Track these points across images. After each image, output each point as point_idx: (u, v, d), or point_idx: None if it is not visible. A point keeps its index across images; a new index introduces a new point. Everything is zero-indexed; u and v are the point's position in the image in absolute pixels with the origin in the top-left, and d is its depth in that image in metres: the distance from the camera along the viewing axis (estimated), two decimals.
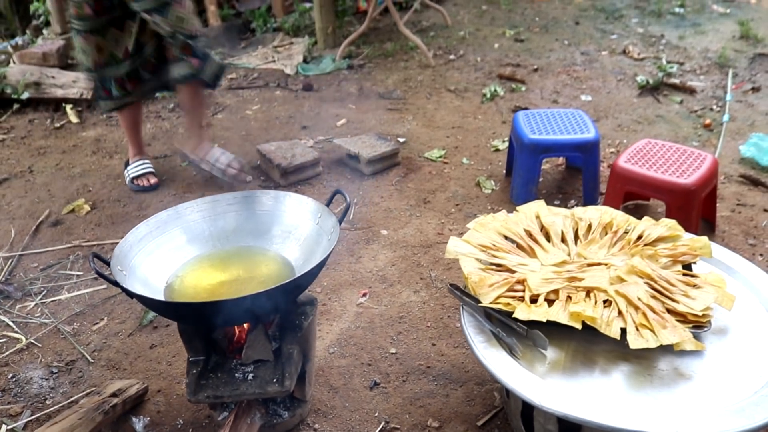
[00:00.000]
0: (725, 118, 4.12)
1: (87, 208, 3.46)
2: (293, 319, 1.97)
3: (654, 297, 1.77)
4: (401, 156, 3.79)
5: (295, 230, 2.07)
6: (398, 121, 4.31)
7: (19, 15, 6.37)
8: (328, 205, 2.02)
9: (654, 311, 1.71)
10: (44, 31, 6.10)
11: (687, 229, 2.10)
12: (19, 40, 6.05)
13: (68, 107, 4.66)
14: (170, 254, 2.03)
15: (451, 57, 5.37)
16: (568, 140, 3.18)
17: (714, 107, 4.34)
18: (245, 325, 1.96)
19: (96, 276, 2.92)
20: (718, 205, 3.13)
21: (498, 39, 5.79)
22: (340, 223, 1.92)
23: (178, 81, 3.35)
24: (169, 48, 3.28)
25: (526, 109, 4.20)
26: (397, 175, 3.64)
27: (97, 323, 2.68)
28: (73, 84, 4.70)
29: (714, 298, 1.77)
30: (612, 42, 5.61)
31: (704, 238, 1.98)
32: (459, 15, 6.45)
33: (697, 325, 1.72)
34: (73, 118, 4.57)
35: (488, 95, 4.59)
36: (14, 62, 5.01)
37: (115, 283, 1.76)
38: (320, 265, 1.80)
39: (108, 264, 1.86)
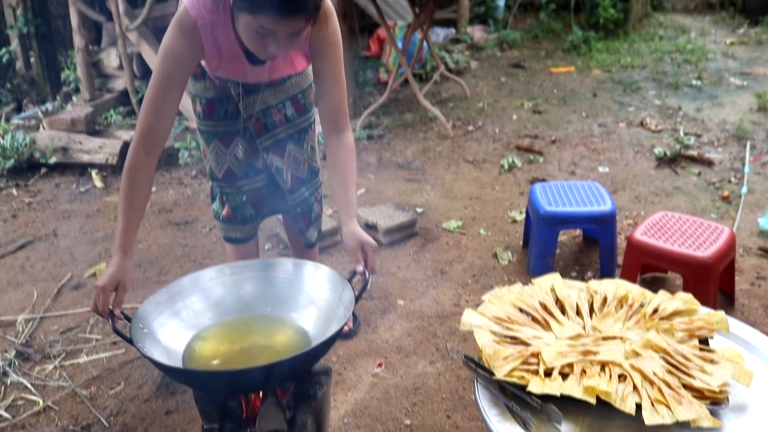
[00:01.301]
0: (743, 190, 4.13)
1: None
2: (308, 389, 1.97)
3: (670, 372, 1.75)
4: (419, 226, 3.82)
5: (313, 299, 2.09)
6: (416, 191, 4.36)
7: (50, 81, 6.56)
8: (350, 280, 2.03)
9: (670, 386, 1.70)
10: (73, 98, 6.27)
11: (705, 303, 2.09)
12: (49, 105, 6.23)
13: (93, 172, 4.77)
14: (189, 320, 2.05)
15: (470, 128, 5.45)
16: (584, 212, 3.20)
17: (732, 179, 4.36)
18: (260, 393, 1.97)
19: (115, 341, 2.95)
20: (737, 278, 3.12)
21: (516, 110, 5.87)
22: (356, 301, 1.94)
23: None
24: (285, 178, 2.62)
25: (543, 180, 4.25)
26: (415, 246, 3.66)
27: (114, 388, 2.69)
28: (99, 150, 4.81)
29: (731, 374, 1.75)
30: (629, 114, 5.67)
31: (721, 313, 1.98)
32: (478, 86, 6.57)
33: (715, 401, 1.70)
34: (98, 183, 4.67)
35: (506, 166, 4.64)
36: (44, 127, 5.15)
37: (129, 341, 1.79)
38: (334, 337, 1.81)
39: (129, 320, 1.89)
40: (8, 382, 2.73)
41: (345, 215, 2.17)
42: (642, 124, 5.42)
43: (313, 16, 1.93)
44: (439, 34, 7.89)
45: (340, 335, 1.91)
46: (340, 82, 2.30)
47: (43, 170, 4.83)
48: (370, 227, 3.71)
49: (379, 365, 2.74)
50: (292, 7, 1.84)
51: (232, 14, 2.04)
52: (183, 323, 2.03)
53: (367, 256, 2.07)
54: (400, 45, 6.00)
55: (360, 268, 2.04)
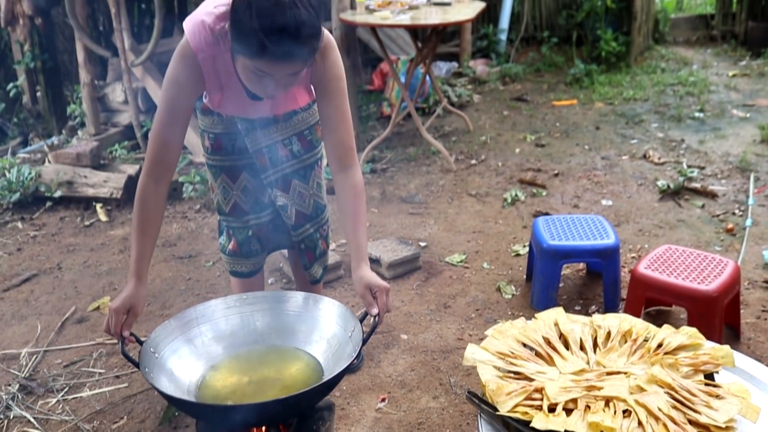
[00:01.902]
0: (748, 222, 4.13)
1: None
2: (311, 424, 1.96)
3: (675, 407, 1.75)
4: (422, 260, 3.82)
5: (324, 335, 2.10)
6: (420, 225, 4.36)
7: (56, 116, 6.61)
8: (361, 321, 2.04)
9: (675, 422, 1.69)
10: (79, 132, 6.32)
11: (710, 337, 2.08)
12: (54, 139, 6.28)
13: (98, 206, 4.79)
14: (200, 348, 2.08)
15: (473, 162, 5.47)
16: (587, 246, 3.20)
17: (736, 211, 4.36)
18: (264, 429, 1.96)
19: (118, 374, 2.95)
20: (742, 311, 3.11)
21: (519, 144, 5.90)
22: (365, 342, 1.94)
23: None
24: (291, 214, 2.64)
25: (546, 214, 4.25)
26: (418, 280, 3.66)
27: (116, 422, 2.68)
28: (104, 183, 4.84)
29: (738, 410, 1.74)
30: (632, 146, 5.69)
31: (726, 347, 1.97)
32: (481, 120, 6.61)
33: None
34: (103, 217, 4.68)
35: (509, 200, 4.65)
36: (49, 161, 5.18)
37: (136, 364, 1.84)
38: (340, 376, 1.82)
39: (140, 343, 1.94)
40: (11, 416, 2.72)
41: (354, 259, 2.16)
42: (645, 156, 5.43)
43: (310, 59, 1.95)
44: (442, 68, 7.96)
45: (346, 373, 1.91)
46: (345, 117, 2.27)
47: (48, 204, 4.85)
48: (373, 261, 3.71)
49: (383, 400, 2.72)
50: (287, 53, 1.86)
51: (232, 50, 2.08)
52: (195, 351, 2.06)
53: (376, 299, 2.05)
54: (402, 79, 6.05)
55: (374, 310, 2.03)
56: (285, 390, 1.82)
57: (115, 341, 3.17)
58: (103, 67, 6.42)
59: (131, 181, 4.84)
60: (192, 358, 2.03)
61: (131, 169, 5.02)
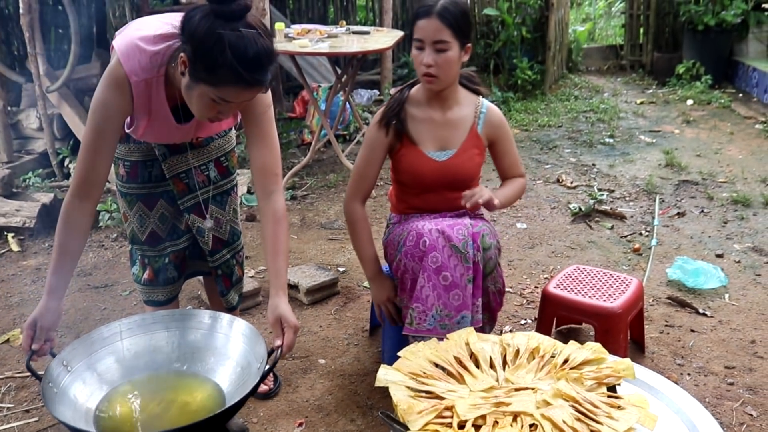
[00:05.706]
0: (653, 242, 4.31)
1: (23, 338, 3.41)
2: None
3: (579, 419, 1.82)
4: (340, 285, 3.85)
5: (231, 356, 2.10)
6: (339, 251, 4.39)
7: None
8: (270, 352, 2.05)
9: None
10: None
11: (616, 352, 2.17)
12: None
13: (10, 236, 4.65)
14: (103, 374, 2.06)
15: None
16: None
17: (643, 232, 4.54)
18: None
19: (27, 409, 2.87)
20: (646, 326, 3.24)
21: None
22: (265, 375, 1.95)
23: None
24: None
25: None
26: (336, 305, 3.68)
27: None
28: (16, 213, 4.71)
29: (636, 419, 1.82)
30: (546, 171, 5.86)
31: (627, 360, 2.06)
32: None
33: None
34: (15, 247, 4.55)
35: None
36: None
37: (39, 378, 1.88)
38: (247, 397, 1.83)
39: (53, 356, 1.98)
40: None
41: (272, 286, 2.18)
42: (558, 180, 5.60)
43: (269, 83, 2.01)
44: (363, 95, 8.04)
45: (254, 395, 1.92)
46: (269, 141, 2.30)
47: None
48: (292, 287, 3.72)
49: (300, 425, 2.73)
50: (256, 80, 1.93)
51: (166, 74, 2.10)
52: (94, 381, 2.03)
53: (284, 334, 2.07)
54: (323, 107, 6.09)
55: (278, 342, 2.05)
56: (192, 416, 1.82)
57: (25, 375, 3.11)
58: (17, 93, 6.26)
59: (45, 210, 4.72)
60: (96, 382, 2.01)
61: (45, 198, 4.90)
